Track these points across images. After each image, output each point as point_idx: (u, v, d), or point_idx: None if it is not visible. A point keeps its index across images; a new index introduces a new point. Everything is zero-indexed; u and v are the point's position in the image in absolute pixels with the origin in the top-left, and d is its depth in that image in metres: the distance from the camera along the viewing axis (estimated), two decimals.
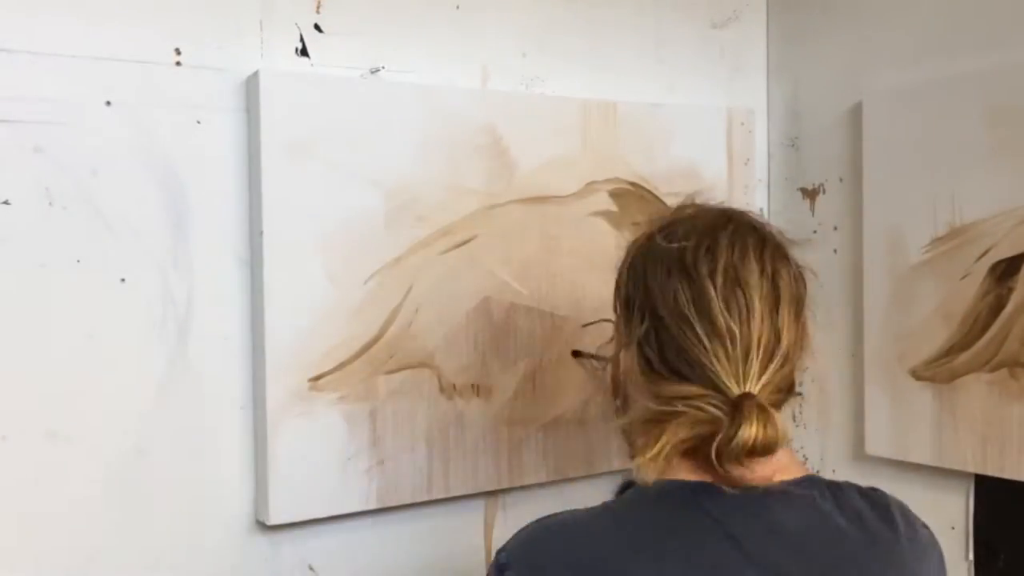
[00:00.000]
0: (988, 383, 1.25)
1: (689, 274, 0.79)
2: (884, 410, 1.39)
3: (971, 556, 1.30)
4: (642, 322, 0.81)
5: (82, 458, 1.06)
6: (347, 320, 1.17)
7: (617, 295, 0.87)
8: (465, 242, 1.26)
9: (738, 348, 0.76)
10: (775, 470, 0.79)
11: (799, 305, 0.82)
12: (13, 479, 1.03)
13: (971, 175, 1.27)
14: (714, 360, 0.76)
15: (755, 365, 0.76)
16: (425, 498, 1.24)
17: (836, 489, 0.81)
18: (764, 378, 0.76)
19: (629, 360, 0.84)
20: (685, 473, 0.79)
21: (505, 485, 1.31)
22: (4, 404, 1.02)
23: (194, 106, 1.11)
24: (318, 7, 1.20)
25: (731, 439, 0.73)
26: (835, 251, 1.49)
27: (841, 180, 1.49)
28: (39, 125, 1.03)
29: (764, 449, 0.73)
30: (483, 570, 1.32)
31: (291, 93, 1.13)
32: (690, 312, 0.78)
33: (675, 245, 0.81)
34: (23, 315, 1.03)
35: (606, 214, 1.38)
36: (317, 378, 1.15)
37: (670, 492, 0.79)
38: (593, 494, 1.39)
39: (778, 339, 0.78)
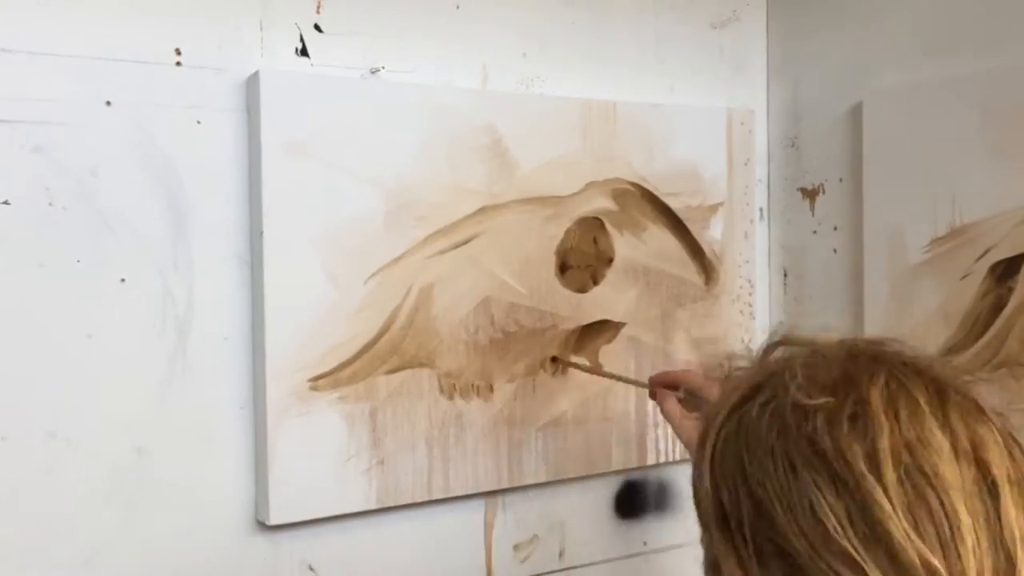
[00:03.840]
0: (988, 383, 1.25)
1: (832, 466, 0.50)
2: None
3: None
4: (761, 562, 0.52)
5: (82, 458, 1.06)
6: (347, 320, 1.17)
7: (701, 500, 0.57)
8: (465, 242, 1.26)
9: None
10: None
11: None
12: (13, 479, 1.03)
13: (971, 175, 1.27)
14: None
15: None
16: (425, 498, 1.24)
17: None
18: None
19: None
20: None
21: (505, 485, 1.31)
22: (4, 404, 1.02)
23: (194, 106, 1.11)
24: (318, 7, 1.20)
25: None
26: (835, 251, 1.49)
27: (841, 180, 1.49)
28: (39, 125, 1.03)
29: None
30: (483, 570, 1.32)
31: (291, 93, 1.13)
32: (849, 541, 0.49)
33: (803, 404, 0.52)
34: (23, 315, 1.03)
35: (606, 214, 1.38)
36: (317, 378, 1.15)
37: None
38: (593, 495, 1.41)
39: (1012, 565, 0.49)
